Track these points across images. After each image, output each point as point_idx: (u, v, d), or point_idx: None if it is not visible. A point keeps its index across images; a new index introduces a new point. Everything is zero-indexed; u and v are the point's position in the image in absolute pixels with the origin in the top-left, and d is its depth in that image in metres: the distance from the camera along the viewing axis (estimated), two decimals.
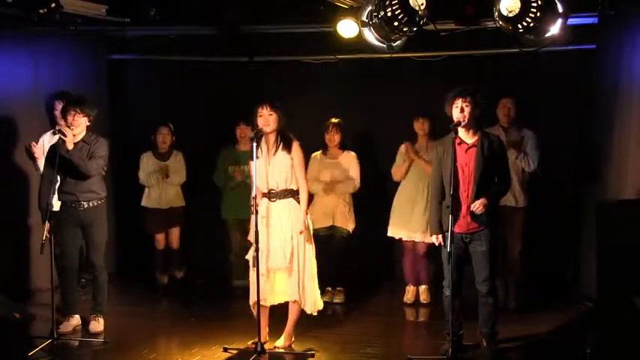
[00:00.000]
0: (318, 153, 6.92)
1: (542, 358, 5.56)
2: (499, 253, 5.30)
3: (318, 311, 5.56)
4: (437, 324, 5.83)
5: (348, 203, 6.87)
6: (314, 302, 5.49)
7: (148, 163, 7.33)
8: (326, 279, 6.76)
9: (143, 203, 7.38)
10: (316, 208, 6.77)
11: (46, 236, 5.28)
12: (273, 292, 5.48)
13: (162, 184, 7.29)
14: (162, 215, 7.37)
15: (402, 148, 6.71)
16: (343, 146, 6.88)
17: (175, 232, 7.47)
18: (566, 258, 7.10)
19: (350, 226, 6.86)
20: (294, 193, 5.43)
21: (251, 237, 5.38)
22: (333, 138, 6.83)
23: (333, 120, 6.87)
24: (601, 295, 6.08)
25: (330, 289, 6.82)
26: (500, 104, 6.49)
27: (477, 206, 5.05)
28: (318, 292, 5.55)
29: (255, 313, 5.36)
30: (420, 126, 6.64)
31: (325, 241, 6.73)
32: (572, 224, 6.96)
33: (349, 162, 6.83)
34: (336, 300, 6.81)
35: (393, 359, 5.37)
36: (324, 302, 6.36)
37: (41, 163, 6.27)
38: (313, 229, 6.57)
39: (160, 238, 7.45)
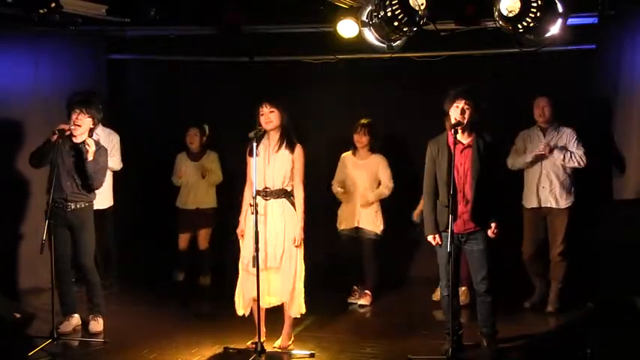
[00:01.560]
0: (348, 153, 6.90)
1: (542, 358, 5.57)
2: (495, 252, 5.28)
3: (317, 312, 5.54)
4: (437, 324, 5.82)
5: (374, 206, 6.78)
6: (299, 306, 5.42)
7: (180, 164, 7.46)
8: (349, 279, 6.88)
9: (176, 204, 7.53)
10: (343, 210, 6.81)
11: (45, 236, 5.27)
12: (266, 292, 5.38)
13: (192, 184, 7.39)
14: (189, 216, 7.44)
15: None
16: (373, 149, 6.81)
17: (203, 234, 7.51)
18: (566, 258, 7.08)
19: (377, 229, 6.76)
20: (287, 194, 5.39)
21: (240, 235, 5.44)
22: (362, 139, 6.76)
23: (363, 121, 6.79)
24: (601, 295, 6.08)
25: (356, 287, 6.85)
26: (535, 104, 6.38)
27: (494, 232, 5.13)
28: (303, 296, 5.46)
29: (246, 312, 5.39)
30: None
31: (350, 242, 6.78)
32: (572, 224, 6.94)
33: (377, 165, 6.77)
34: (361, 302, 6.75)
35: (393, 359, 5.36)
36: (349, 303, 6.70)
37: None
38: (340, 230, 6.79)
39: (182, 237, 7.51)
